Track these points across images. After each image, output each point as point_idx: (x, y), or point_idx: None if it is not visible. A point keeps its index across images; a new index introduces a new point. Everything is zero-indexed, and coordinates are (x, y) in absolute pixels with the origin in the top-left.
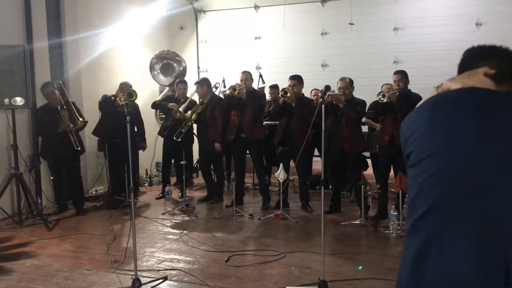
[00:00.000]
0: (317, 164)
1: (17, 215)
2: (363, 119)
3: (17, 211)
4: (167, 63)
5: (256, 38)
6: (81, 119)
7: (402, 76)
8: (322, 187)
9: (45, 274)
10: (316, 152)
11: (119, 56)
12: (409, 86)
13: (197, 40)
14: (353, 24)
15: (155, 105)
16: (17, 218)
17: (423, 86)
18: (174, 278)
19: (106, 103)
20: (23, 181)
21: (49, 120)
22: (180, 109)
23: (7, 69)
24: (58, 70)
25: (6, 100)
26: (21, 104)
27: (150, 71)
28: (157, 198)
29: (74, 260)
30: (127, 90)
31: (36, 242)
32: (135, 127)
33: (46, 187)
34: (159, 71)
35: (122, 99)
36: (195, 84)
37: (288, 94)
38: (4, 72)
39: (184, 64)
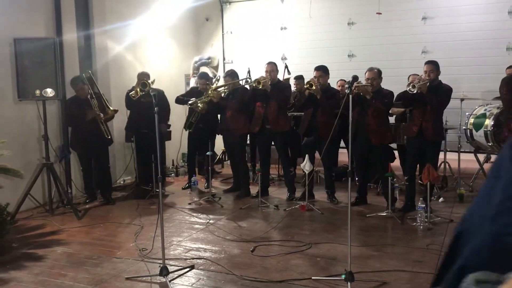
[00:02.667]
0: (343, 155)
1: (48, 204)
2: (390, 110)
3: (48, 200)
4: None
5: (281, 29)
6: (111, 108)
7: (433, 66)
8: (349, 178)
9: (76, 261)
10: (342, 144)
11: (145, 47)
12: (440, 77)
13: (223, 31)
14: (380, 13)
15: (178, 101)
16: (48, 207)
17: (452, 77)
18: (201, 267)
19: (129, 98)
20: (53, 171)
21: (78, 111)
22: (199, 104)
23: (38, 61)
24: (86, 62)
25: (37, 92)
26: (51, 95)
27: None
28: (183, 189)
29: (103, 248)
30: (141, 81)
31: (66, 230)
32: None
33: (75, 177)
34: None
35: (138, 90)
36: (223, 77)
37: (314, 87)
38: (35, 64)
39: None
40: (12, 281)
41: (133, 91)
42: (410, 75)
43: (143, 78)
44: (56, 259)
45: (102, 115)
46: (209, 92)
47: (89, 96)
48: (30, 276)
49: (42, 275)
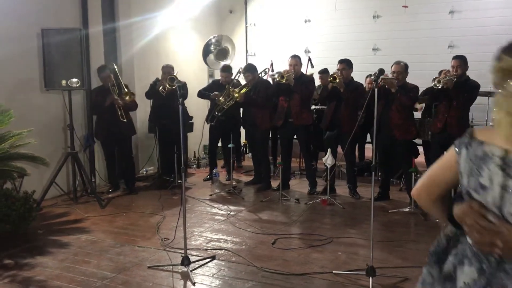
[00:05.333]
0: (367, 150)
1: (72, 192)
2: (416, 105)
3: (73, 189)
4: (224, 49)
5: (305, 21)
6: (128, 93)
7: (461, 61)
8: (373, 173)
9: (99, 249)
10: (367, 138)
11: (169, 40)
12: (466, 72)
13: (246, 24)
14: (407, 6)
15: (200, 94)
16: (72, 195)
17: (480, 73)
18: (222, 257)
19: (152, 87)
20: (78, 160)
21: (101, 99)
22: (221, 98)
23: (65, 52)
24: (111, 54)
25: (63, 82)
26: (77, 85)
27: (206, 52)
28: (204, 180)
29: (126, 236)
30: (168, 75)
31: (90, 219)
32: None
33: (99, 166)
34: (214, 54)
35: (167, 85)
36: (243, 73)
37: (337, 80)
38: (61, 54)
39: (234, 54)
40: (38, 266)
41: (161, 87)
42: (441, 70)
43: (168, 70)
44: (80, 246)
45: (119, 99)
46: (235, 95)
47: (110, 84)
48: (55, 262)
49: (67, 261)
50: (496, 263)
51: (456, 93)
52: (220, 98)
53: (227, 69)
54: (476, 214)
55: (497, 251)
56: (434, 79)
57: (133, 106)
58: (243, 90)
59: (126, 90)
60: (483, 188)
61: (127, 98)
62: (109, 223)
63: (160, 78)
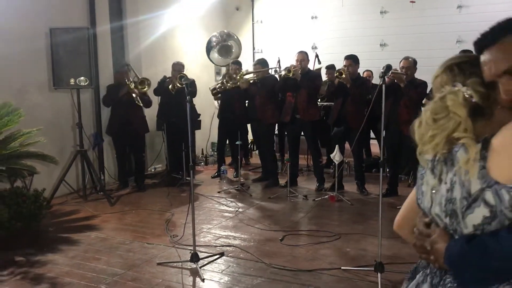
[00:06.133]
0: (374, 147)
1: (82, 190)
2: (424, 101)
3: (82, 187)
4: (227, 45)
5: (312, 18)
6: (144, 80)
7: None
8: (381, 169)
9: (109, 246)
10: (371, 135)
11: (176, 37)
12: None
13: (253, 21)
14: (414, 1)
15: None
16: (82, 193)
17: None
18: (230, 254)
19: (161, 85)
20: (87, 158)
21: (116, 93)
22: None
23: (73, 51)
24: (119, 53)
25: (72, 80)
26: (85, 84)
27: (208, 49)
28: (212, 177)
29: (135, 233)
30: (178, 73)
31: (99, 216)
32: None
33: (108, 164)
34: (216, 50)
35: (177, 83)
36: (253, 64)
37: (343, 76)
38: (69, 53)
39: (240, 50)
40: (49, 263)
41: (171, 85)
42: None
43: (178, 68)
44: (90, 243)
45: (132, 86)
46: (237, 77)
47: (126, 80)
48: (65, 259)
49: (77, 258)
50: (440, 275)
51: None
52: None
53: (236, 63)
54: (419, 221)
55: (431, 258)
56: None
57: (148, 101)
58: (249, 76)
59: (141, 78)
60: (422, 194)
61: (143, 89)
62: (119, 220)
63: (167, 76)
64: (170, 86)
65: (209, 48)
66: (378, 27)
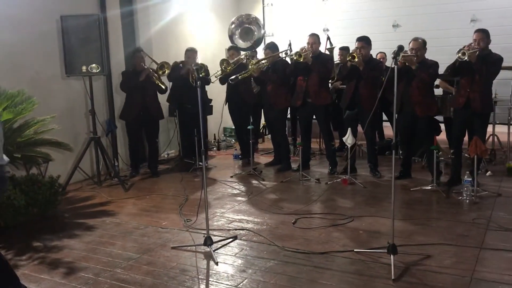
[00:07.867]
0: (387, 129)
1: (96, 176)
2: (438, 82)
3: (96, 173)
4: (247, 28)
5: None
6: (163, 64)
7: (483, 34)
8: (393, 151)
9: (124, 231)
10: (384, 117)
11: (187, 22)
12: (489, 46)
13: (263, 4)
14: None
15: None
16: (96, 179)
17: (504, 46)
18: (244, 237)
19: (174, 70)
20: (101, 145)
21: (134, 79)
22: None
23: (84, 38)
24: (130, 38)
25: (84, 68)
26: (97, 71)
27: (231, 38)
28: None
29: (149, 218)
30: (192, 61)
31: (114, 202)
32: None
33: (121, 150)
34: (238, 36)
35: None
36: (263, 49)
37: (356, 59)
38: (81, 41)
39: (263, 31)
40: (65, 248)
41: (188, 73)
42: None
43: (192, 55)
44: (105, 228)
45: (152, 70)
46: (249, 66)
47: (143, 65)
48: (81, 244)
49: (93, 243)
50: None
51: (479, 66)
52: (244, 75)
53: (233, 48)
54: None
55: None
56: (459, 51)
57: (162, 89)
58: (260, 63)
59: (161, 62)
60: None
61: (164, 73)
62: (133, 205)
63: (178, 62)
64: (190, 79)
65: (231, 36)
66: (390, 8)
